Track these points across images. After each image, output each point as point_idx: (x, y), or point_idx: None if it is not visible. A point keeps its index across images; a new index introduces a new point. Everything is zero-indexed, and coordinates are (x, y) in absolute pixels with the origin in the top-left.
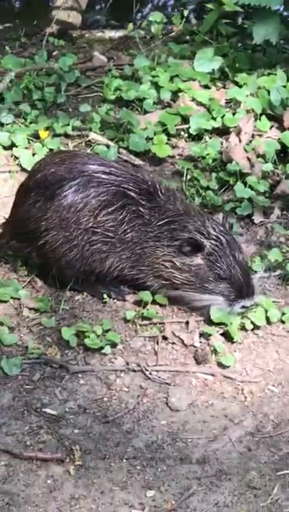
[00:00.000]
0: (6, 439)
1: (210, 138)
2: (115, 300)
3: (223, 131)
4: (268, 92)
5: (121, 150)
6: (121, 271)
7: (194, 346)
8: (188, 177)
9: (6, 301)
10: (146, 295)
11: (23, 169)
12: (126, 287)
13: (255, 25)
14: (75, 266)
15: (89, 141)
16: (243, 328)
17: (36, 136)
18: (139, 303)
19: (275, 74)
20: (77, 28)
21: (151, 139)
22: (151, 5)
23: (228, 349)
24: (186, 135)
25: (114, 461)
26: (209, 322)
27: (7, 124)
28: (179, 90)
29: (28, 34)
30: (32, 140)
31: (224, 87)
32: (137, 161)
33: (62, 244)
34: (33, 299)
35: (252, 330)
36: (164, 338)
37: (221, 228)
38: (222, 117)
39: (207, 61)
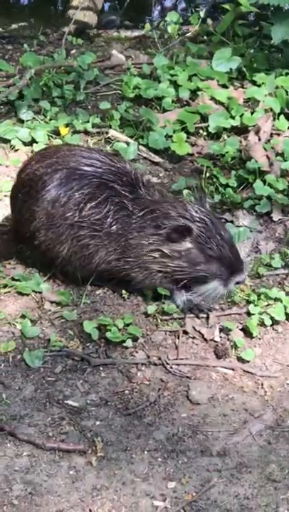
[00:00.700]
0: (28, 430)
1: (228, 136)
2: (136, 295)
3: (241, 130)
4: (286, 91)
5: (140, 147)
6: (108, 263)
7: (214, 341)
8: (208, 175)
9: (27, 295)
10: (163, 289)
11: None
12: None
13: (274, 26)
14: (72, 262)
15: (108, 138)
16: (262, 323)
17: (56, 133)
18: (157, 298)
19: None
20: (93, 28)
21: (171, 136)
22: (162, 6)
23: (248, 344)
24: (205, 133)
25: (135, 452)
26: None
27: (27, 121)
28: (198, 89)
29: (45, 33)
30: (52, 136)
31: (242, 87)
32: (157, 159)
33: (53, 241)
34: (54, 293)
35: (271, 325)
36: (185, 332)
37: (203, 210)
38: (241, 116)
39: (225, 61)
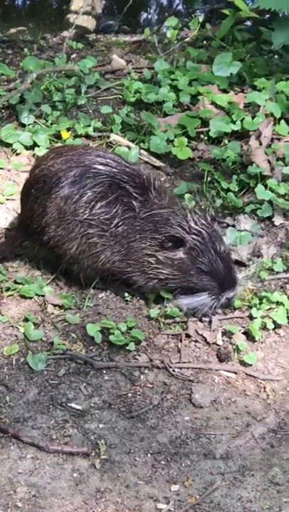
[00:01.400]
0: (32, 433)
1: (229, 141)
2: (138, 298)
3: (242, 135)
4: (287, 96)
5: (142, 152)
6: (112, 263)
7: (217, 344)
8: (209, 179)
9: (30, 298)
10: (166, 292)
11: None
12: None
13: (274, 31)
14: (79, 260)
15: (110, 142)
16: (264, 327)
17: (58, 137)
18: (159, 301)
19: None
20: (92, 32)
21: (172, 141)
22: (159, 11)
23: (250, 348)
24: (205, 138)
25: (139, 455)
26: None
27: (29, 125)
28: (198, 94)
29: (44, 37)
30: (53, 140)
31: (242, 92)
32: (158, 163)
33: (63, 237)
34: (57, 296)
35: (273, 329)
36: (187, 335)
37: (203, 222)
38: (241, 121)
39: (225, 66)
